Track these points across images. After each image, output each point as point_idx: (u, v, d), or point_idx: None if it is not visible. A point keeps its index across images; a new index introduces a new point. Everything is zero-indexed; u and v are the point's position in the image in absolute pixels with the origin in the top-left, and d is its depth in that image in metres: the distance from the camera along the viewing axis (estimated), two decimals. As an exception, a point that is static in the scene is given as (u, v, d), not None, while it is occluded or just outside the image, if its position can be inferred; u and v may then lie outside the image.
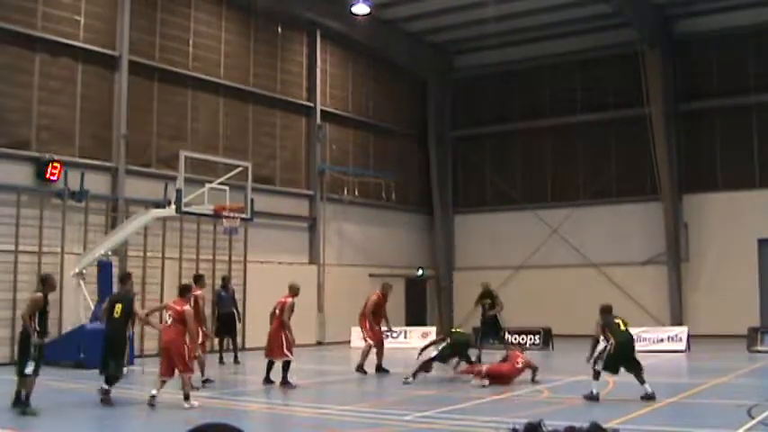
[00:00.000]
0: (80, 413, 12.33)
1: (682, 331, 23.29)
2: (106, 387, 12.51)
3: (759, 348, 21.55)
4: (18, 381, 11.62)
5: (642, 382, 12.64)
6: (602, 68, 30.03)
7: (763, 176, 27.12)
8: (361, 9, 26.79)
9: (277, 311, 15.22)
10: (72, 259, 19.83)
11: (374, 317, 18.04)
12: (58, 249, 20.05)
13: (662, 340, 22.88)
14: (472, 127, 32.75)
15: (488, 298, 20.40)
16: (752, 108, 27.40)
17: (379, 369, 17.53)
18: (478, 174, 32.64)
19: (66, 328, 19.11)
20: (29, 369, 11.46)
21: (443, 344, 16.69)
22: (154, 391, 12.22)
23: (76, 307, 19.10)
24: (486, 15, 27.19)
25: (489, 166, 32.42)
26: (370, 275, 27.84)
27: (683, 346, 22.50)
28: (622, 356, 12.91)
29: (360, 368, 17.25)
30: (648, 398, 12.38)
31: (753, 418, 10.41)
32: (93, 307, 18.81)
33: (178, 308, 12.64)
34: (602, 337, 13.26)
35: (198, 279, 17.07)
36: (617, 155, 29.84)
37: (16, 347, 12.39)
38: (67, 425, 11.33)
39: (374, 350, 17.73)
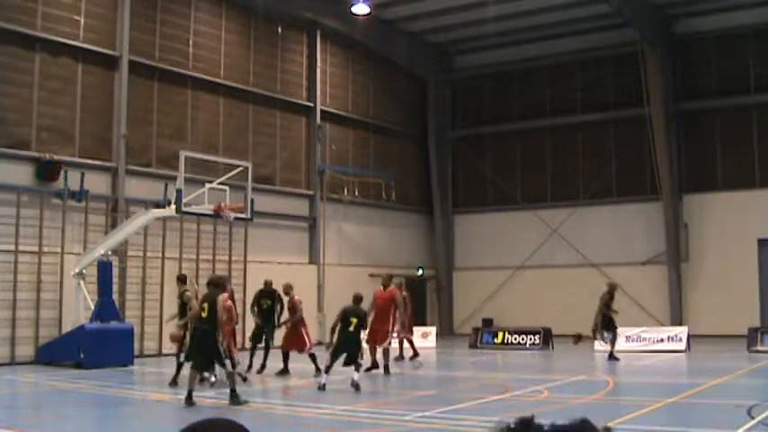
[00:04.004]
0: (80, 413, 12.33)
1: (682, 331, 23.27)
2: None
3: (759, 348, 21.51)
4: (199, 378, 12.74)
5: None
6: (602, 68, 30.03)
7: (763, 176, 27.10)
8: (361, 9, 26.81)
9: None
10: (72, 259, 19.81)
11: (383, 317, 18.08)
12: (58, 249, 20.03)
13: (662, 340, 22.87)
14: (472, 127, 32.75)
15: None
16: (752, 108, 27.39)
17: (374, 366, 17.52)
18: (478, 174, 32.62)
19: (67, 328, 19.08)
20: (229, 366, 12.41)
21: None
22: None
23: (76, 307, 19.07)
24: (485, 15, 27.21)
25: (489, 166, 32.41)
26: (370, 275, 27.80)
27: (683, 346, 22.48)
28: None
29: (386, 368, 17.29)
30: (356, 386, 13.82)
31: (753, 418, 10.39)
32: (92, 307, 18.80)
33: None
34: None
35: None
36: (617, 155, 29.82)
37: (201, 349, 12.67)
38: (67, 425, 11.32)
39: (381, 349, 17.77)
